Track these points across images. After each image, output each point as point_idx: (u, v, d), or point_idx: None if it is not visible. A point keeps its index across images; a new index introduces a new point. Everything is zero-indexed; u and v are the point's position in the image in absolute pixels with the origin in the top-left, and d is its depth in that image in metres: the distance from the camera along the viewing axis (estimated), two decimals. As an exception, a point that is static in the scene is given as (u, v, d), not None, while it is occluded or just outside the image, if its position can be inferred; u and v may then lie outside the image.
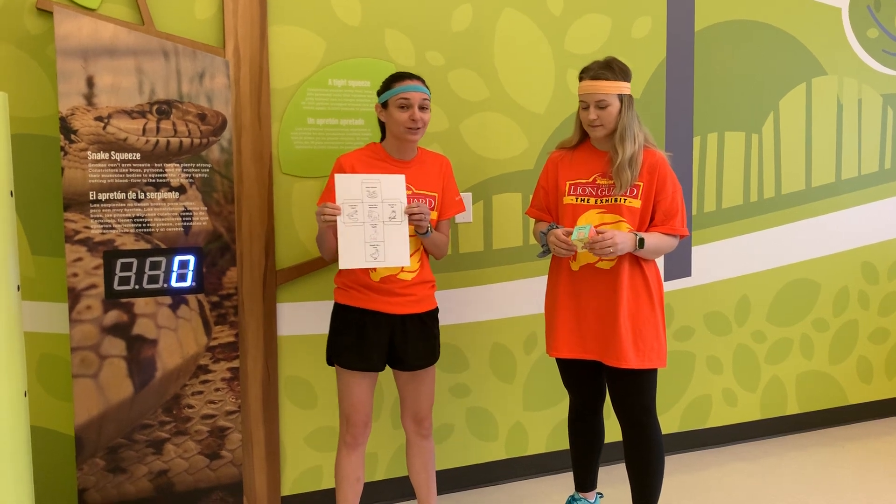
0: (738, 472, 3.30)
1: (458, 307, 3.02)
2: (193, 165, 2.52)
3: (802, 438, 3.68)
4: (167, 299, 2.52)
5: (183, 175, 2.51)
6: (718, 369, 3.51)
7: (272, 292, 2.73)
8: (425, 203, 2.35)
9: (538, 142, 3.08)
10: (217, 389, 2.61)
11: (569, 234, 2.30)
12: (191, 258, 2.54)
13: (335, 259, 2.38)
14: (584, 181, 2.42)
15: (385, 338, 2.39)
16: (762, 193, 3.52)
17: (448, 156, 2.92)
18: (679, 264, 3.35)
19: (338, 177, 2.24)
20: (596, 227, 2.38)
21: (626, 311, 2.35)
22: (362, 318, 2.37)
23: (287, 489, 2.83)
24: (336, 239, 2.36)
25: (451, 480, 3.07)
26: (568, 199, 2.43)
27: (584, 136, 2.47)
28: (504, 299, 3.09)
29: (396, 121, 2.33)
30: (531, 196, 3.00)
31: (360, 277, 2.35)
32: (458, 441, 3.08)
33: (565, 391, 3.17)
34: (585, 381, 2.54)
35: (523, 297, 3.12)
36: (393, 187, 2.27)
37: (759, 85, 3.47)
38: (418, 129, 2.34)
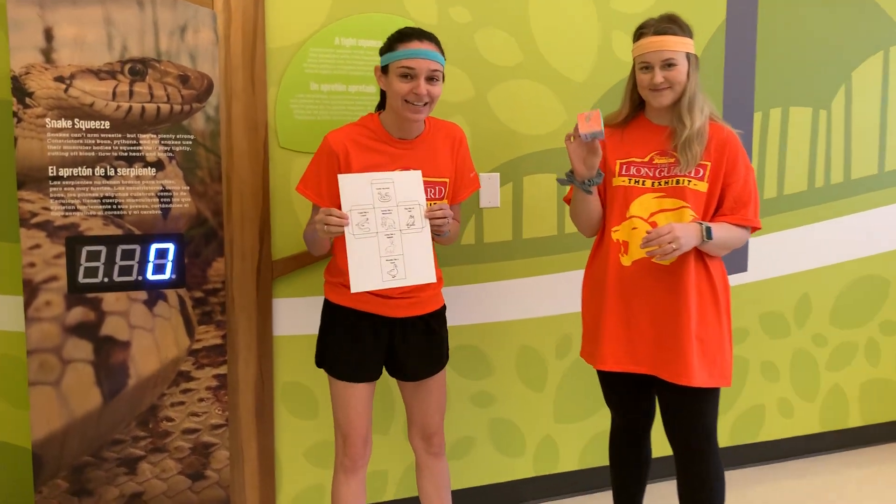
0: (791, 491, 2.92)
1: (481, 304, 2.63)
2: (173, 137, 2.13)
3: (865, 454, 3.28)
4: (142, 294, 2.14)
5: (161, 148, 2.13)
6: (774, 376, 3.11)
7: (267, 286, 2.35)
8: (435, 192, 1.99)
9: (576, 116, 2.66)
10: (201, 400, 2.23)
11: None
12: (170, 246, 2.16)
13: (327, 255, 2.03)
14: (638, 160, 2.01)
15: (383, 344, 2.04)
16: (829, 178, 3.09)
17: (474, 129, 2.52)
18: (734, 258, 2.93)
19: (342, 178, 1.83)
20: (653, 214, 1.97)
21: (691, 317, 1.94)
22: (357, 321, 2.01)
23: (283, 511, 2.46)
24: (332, 244, 2.01)
25: (471, 501, 2.69)
26: (619, 181, 2.02)
27: (635, 110, 2.06)
28: (534, 296, 2.70)
29: (396, 92, 1.90)
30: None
31: None
32: (480, 456, 2.70)
33: (602, 401, 2.79)
34: (634, 398, 2.15)
35: (557, 293, 2.72)
36: (409, 187, 1.87)
37: (830, 53, 3.03)
38: (423, 105, 1.90)
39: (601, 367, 2.07)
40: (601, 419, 2.83)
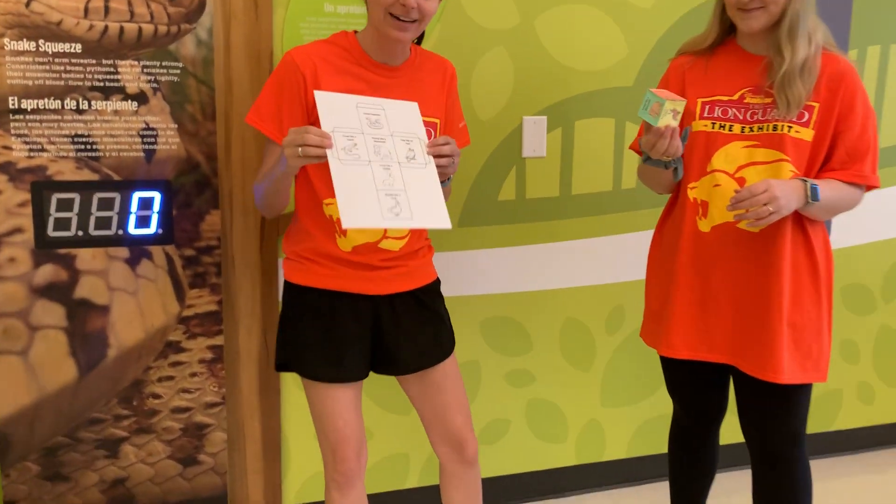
0: (869, 486, 2.56)
1: (520, 270, 2.27)
2: (158, 64, 1.79)
3: (954, 447, 2.89)
4: (122, 251, 1.82)
5: (143, 77, 1.78)
6: (854, 357, 2.71)
7: (272, 244, 2.01)
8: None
9: (641, 48, 2.25)
10: (193, 374, 1.93)
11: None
12: (155, 195, 1.83)
13: (282, 211, 1.66)
14: (725, 98, 1.61)
15: (366, 330, 1.64)
16: (932, 130, 2.65)
17: (517, 64, 2.13)
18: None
19: (320, 95, 1.46)
20: (741, 167, 1.58)
21: (784, 297, 1.57)
22: (329, 303, 1.61)
23: (291, 499, 2.16)
24: (292, 198, 1.63)
25: (505, 490, 2.37)
26: (700, 125, 1.63)
27: (725, 34, 1.66)
28: (584, 261, 2.33)
29: (378, 2, 1.52)
30: (628, 120, 2.24)
31: (322, 245, 1.60)
32: (515, 442, 2.37)
33: (656, 382, 2.44)
34: (705, 391, 1.78)
35: (610, 259, 2.35)
36: (404, 117, 1.53)
37: (942, -19, 2.55)
38: (410, 22, 1.52)
39: (668, 354, 1.71)
40: (655, 403, 2.47)
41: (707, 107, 1.64)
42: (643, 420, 2.50)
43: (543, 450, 2.41)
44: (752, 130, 1.58)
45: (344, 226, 1.37)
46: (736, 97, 1.60)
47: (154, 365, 1.89)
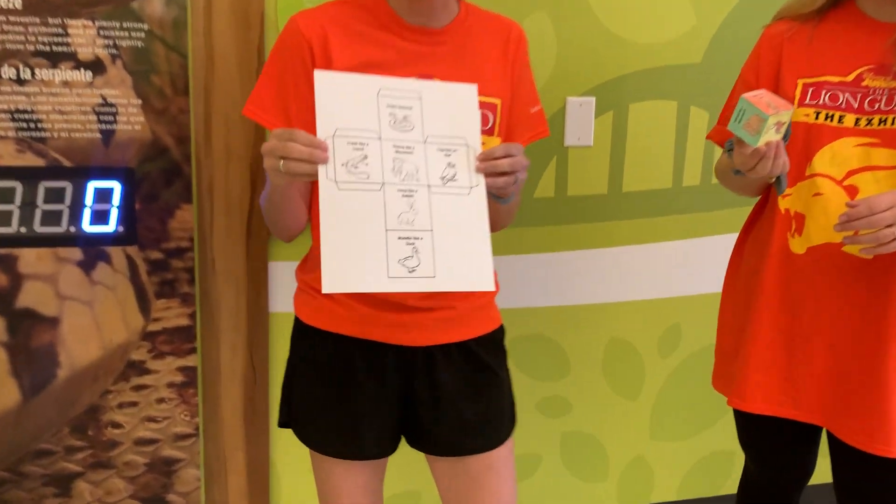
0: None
1: (558, 280, 1.91)
2: (118, 25, 1.46)
3: None
4: (75, 253, 1.51)
5: (99, 41, 1.45)
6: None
7: (261, 246, 1.68)
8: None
9: (713, 16, 1.85)
10: (160, 400, 1.61)
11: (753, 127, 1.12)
12: (114, 186, 1.51)
13: (298, 232, 1.28)
14: (836, 80, 1.23)
15: (392, 394, 1.24)
16: None
17: (560, 34, 1.76)
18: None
19: (322, 76, 1.07)
20: (853, 172, 1.20)
21: (903, 347, 1.19)
22: (346, 354, 1.22)
23: (281, 540, 1.86)
24: (308, 206, 1.25)
25: (531, 536, 2.04)
26: (800, 114, 1.25)
27: (836, -5, 1.27)
28: (635, 271, 1.96)
29: None
30: (693, 104, 1.87)
31: None
32: (547, 479, 2.03)
33: (713, 413, 2.07)
34: (786, 451, 1.42)
35: (665, 269, 1.97)
36: (451, 110, 1.12)
37: None
38: None
39: (741, 407, 1.34)
40: (713, 437, 2.10)
41: (811, 90, 1.25)
42: (698, 457, 2.13)
43: (580, 490, 2.06)
44: (871, 124, 1.20)
45: (324, 289, 1.00)
46: (850, 78, 1.21)
47: (113, 389, 1.58)
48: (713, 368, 1.51)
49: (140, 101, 1.48)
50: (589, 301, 1.95)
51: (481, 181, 1.11)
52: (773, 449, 1.42)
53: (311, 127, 1.05)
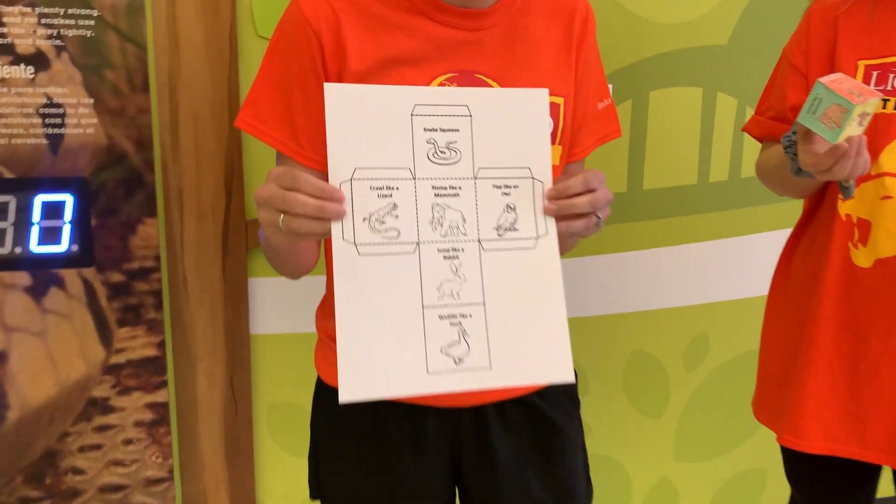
0: None
1: (572, 289, 1.69)
2: (62, 13, 1.25)
3: None
4: (22, 277, 1.31)
5: (41, 31, 1.25)
6: None
7: (239, 260, 1.48)
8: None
9: (739, -6, 1.66)
10: (128, 442, 1.42)
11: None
12: (66, 199, 1.31)
13: (309, 270, 1.02)
14: (907, 61, 1.04)
15: (439, 466, 1.02)
16: None
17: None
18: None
19: (334, 90, 0.81)
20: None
21: None
22: (382, 422, 0.99)
23: (271, 588, 1.66)
24: (323, 264, 1.03)
25: (548, 570, 1.84)
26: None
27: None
28: (656, 277, 1.76)
29: None
30: (720, 90, 1.67)
31: None
32: (564, 507, 1.84)
33: (743, 429, 1.88)
34: (843, 492, 1.23)
35: (692, 273, 1.78)
36: (511, 128, 0.87)
37: None
38: None
39: (796, 446, 1.15)
40: (743, 455, 1.92)
41: (875, 74, 1.06)
42: (728, 476, 1.94)
43: (600, 517, 1.88)
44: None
45: (341, 397, 0.77)
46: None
47: (73, 430, 1.38)
48: (755, 395, 1.32)
49: (92, 101, 1.28)
50: (607, 311, 1.76)
51: (552, 228, 0.86)
52: (829, 488, 1.23)
53: (324, 146, 0.81)
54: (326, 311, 1.05)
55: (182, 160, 1.41)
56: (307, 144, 0.90)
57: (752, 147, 1.70)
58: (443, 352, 0.81)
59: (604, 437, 1.83)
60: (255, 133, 0.92)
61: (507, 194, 0.86)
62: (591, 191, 0.86)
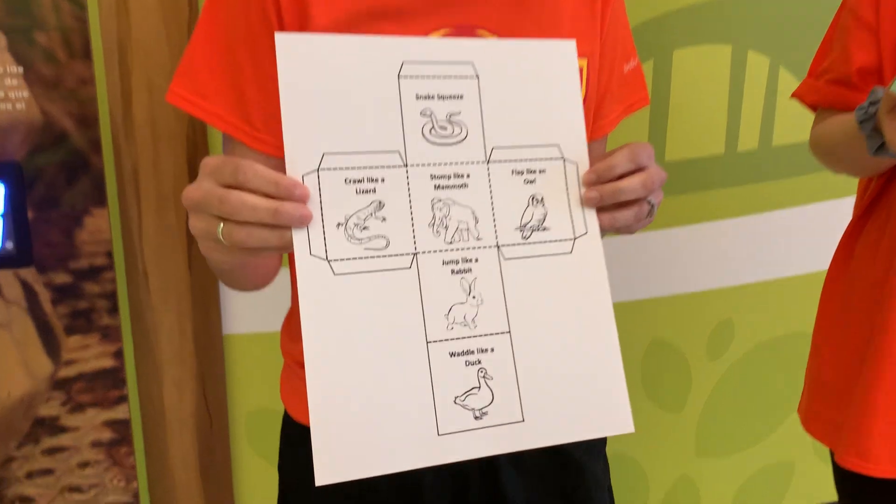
0: None
1: (588, 274, 1.53)
2: (-21, -38, 1.03)
3: None
4: (-53, 281, 1.11)
5: (-46, -14, 1.03)
6: None
7: (207, 253, 1.29)
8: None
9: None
10: (84, 465, 1.23)
11: None
12: (-4, 188, 1.10)
13: (269, 282, 0.82)
14: None
15: None
16: None
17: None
18: None
19: (283, 40, 0.60)
20: None
21: None
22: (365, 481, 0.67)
23: None
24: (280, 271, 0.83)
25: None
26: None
27: None
28: (678, 258, 1.59)
29: None
30: (751, 48, 1.48)
31: None
32: (576, 510, 1.68)
33: (770, 421, 1.73)
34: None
35: (717, 253, 1.60)
36: (533, 90, 0.67)
37: None
38: None
39: (867, 470, 0.98)
40: (767, 448, 1.76)
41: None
42: (752, 471, 1.79)
43: (614, 519, 1.72)
44: None
45: (318, 480, 0.57)
46: None
47: (18, 454, 1.19)
48: (803, 402, 1.15)
49: (21, 69, 1.07)
50: (624, 298, 1.58)
51: (593, 223, 0.67)
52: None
53: (275, 121, 0.61)
54: (293, 330, 0.86)
55: (136, 138, 1.21)
56: (260, 123, 0.70)
57: (786, 112, 1.52)
58: (457, 403, 0.62)
59: (619, 434, 1.66)
60: (191, 110, 0.70)
61: (531, 182, 0.67)
62: (640, 169, 0.67)
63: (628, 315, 1.59)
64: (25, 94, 1.07)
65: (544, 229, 0.66)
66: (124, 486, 1.25)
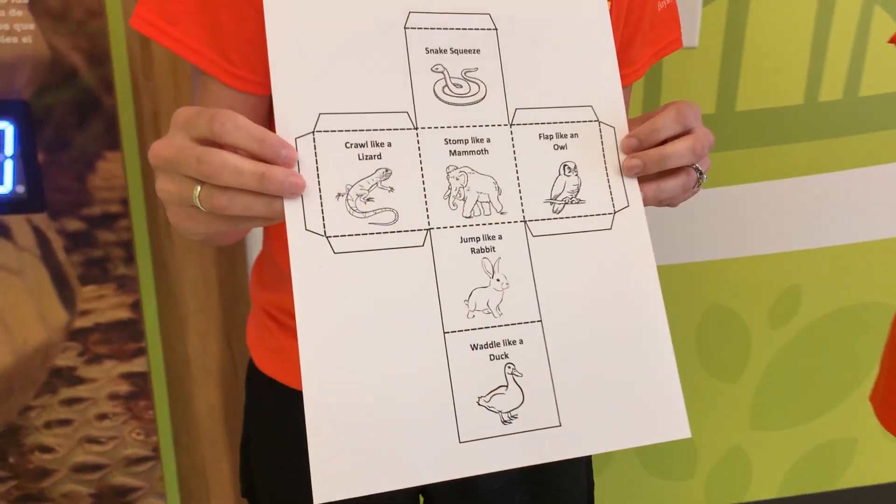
0: None
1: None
2: None
3: None
4: (-43, 225, 1.06)
5: None
6: None
7: (231, 200, 1.21)
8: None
9: None
10: (102, 416, 1.19)
11: None
12: (5, 129, 1.04)
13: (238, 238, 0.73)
14: None
15: (409, 490, 0.76)
16: None
17: None
18: None
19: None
20: None
21: None
22: None
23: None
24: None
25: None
26: None
27: None
28: (743, 218, 1.45)
29: None
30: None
31: None
32: (619, 477, 1.60)
33: (832, 395, 1.62)
34: None
35: (784, 214, 1.46)
36: (560, 43, 0.57)
37: None
38: None
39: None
40: (827, 424, 1.64)
41: None
42: (810, 447, 1.67)
43: (659, 490, 1.63)
44: None
45: (317, 498, 0.49)
46: None
47: (36, 404, 1.15)
48: (876, 391, 1.02)
49: (27, 1, 0.98)
50: (681, 259, 1.46)
51: (635, 194, 0.59)
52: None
53: (264, 61, 0.52)
54: (264, 277, 0.78)
55: (156, 76, 1.12)
56: (238, 58, 0.60)
57: (878, 58, 1.34)
58: (481, 405, 0.53)
59: (668, 402, 1.56)
60: (158, 38, 0.60)
61: (561, 147, 0.57)
62: (688, 130, 0.58)
63: (685, 278, 1.47)
64: (31, 26, 0.99)
65: (578, 202, 0.57)
66: (143, 440, 1.21)
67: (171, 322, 1.25)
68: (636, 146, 0.58)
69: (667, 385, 0.57)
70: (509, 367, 0.54)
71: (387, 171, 0.53)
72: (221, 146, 0.48)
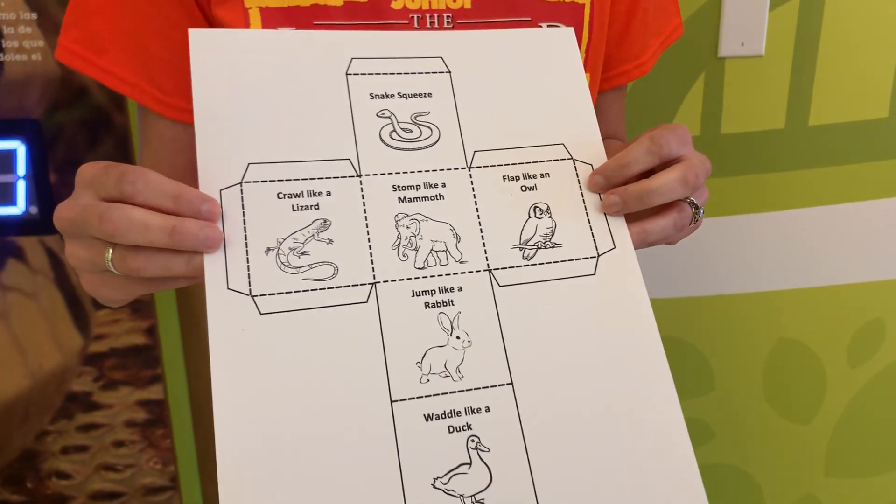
0: None
1: (700, 260, 1.30)
2: None
3: None
4: (-29, 247, 1.04)
5: (-42, -80, 0.92)
6: None
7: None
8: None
9: None
10: (118, 444, 1.15)
11: None
12: (17, 148, 1.01)
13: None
14: None
15: None
16: None
17: None
18: None
19: (197, 37, 0.47)
20: None
21: None
22: None
23: None
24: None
25: None
26: None
27: None
28: (818, 244, 1.31)
29: None
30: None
31: None
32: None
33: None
34: None
35: (865, 240, 1.31)
36: (522, 82, 0.52)
37: None
38: None
39: None
40: (918, 471, 1.48)
41: None
42: (892, 498, 1.50)
43: (721, 537, 1.50)
44: None
45: None
46: None
47: (52, 429, 1.13)
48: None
49: (35, 16, 0.95)
50: (745, 289, 1.32)
51: (623, 234, 0.52)
52: None
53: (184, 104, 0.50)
54: None
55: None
56: (170, 86, 0.55)
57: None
58: (438, 487, 0.45)
59: (731, 443, 1.43)
60: (85, 69, 0.55)
61: (530, 188, 0.51)
62: (675, 160, 0.51)
63: (752, 309, 1.33)
64: (41, 43, 0.96)
65: (554, 246, 0.50)
66: (160, 469, 1.16)
67: (194, 346, 1.20)
68: (602, 185, 0.50)
69: (675, 455, 0.47)
70: (473, 441, 0.45)
71: (325, 221, 0.47)
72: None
